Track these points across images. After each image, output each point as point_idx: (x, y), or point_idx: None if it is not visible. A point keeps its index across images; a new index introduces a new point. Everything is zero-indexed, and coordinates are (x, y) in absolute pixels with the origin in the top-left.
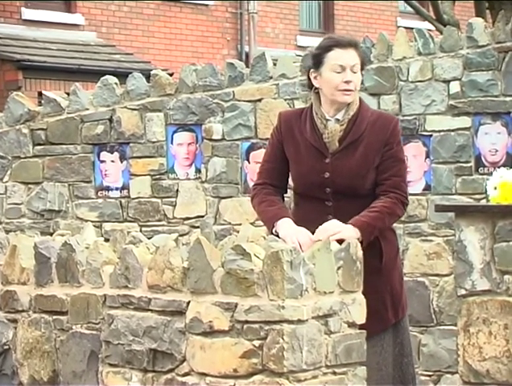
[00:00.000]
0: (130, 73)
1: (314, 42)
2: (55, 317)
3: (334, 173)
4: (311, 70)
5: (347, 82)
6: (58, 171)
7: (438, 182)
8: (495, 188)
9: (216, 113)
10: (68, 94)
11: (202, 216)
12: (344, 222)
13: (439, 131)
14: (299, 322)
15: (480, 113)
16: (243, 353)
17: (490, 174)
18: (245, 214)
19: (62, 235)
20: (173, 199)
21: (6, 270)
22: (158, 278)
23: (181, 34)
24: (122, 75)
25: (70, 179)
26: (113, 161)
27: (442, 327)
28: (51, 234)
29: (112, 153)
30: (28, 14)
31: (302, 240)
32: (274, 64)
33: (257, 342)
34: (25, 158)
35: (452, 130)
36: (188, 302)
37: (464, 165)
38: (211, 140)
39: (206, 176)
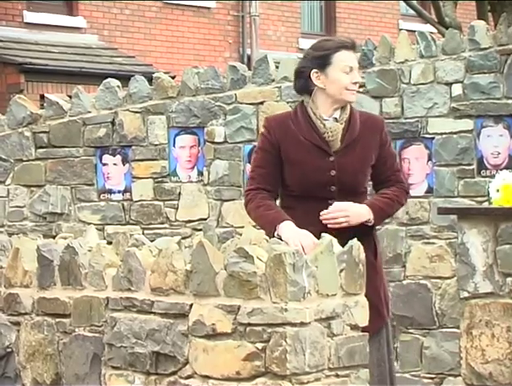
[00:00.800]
0: (132, 76)
1: None
2: (57, 320)
3: (340, 171)
4: (314, 70)
5: (355, 83)
6: (60, 174)
7: (440, 185)
8: (497, 190)
9: (218, 116)
10: (70, 97)
11: (204, 219)
12: None
13: (442, 134)
14: (302, 324)
15: (482, 116)
16: (246, 356)
17: (492, 176)
18: (247, 217)
19: (64, 238)
20: (175, 202)
21: (8, 273)
22: (161, 281)
23: (183, 36)
24: (124, 78)
25: (72, 182)
26: (115, 164)
27: (444, 330)
28: (54, 237)
29: (114, 156)
30: (30, 17)
31: (305, 242)
32: (277, 67)
33: (260, 345)
34: (27, 160)
35: (455, 133)
36: (191, 305)
37: (467, 167)
38: (213, 143)
39: (208, 179)
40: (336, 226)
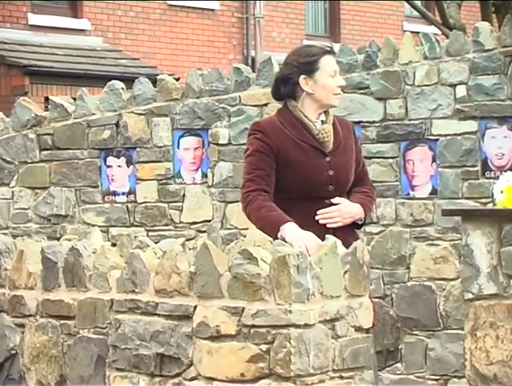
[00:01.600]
0: (137, 78)
1: None
2: (62, 321)
3: (336, 170)
4: (302, 76)
5: (340, 86)
6: (65, 176)
7: (444, 187)
8: (501, 192)
9: (222, 118)
10: (74, 99)
11: (209, 221)
12: None
13: (446, 135)
14: (306, 326)
15: (486, 117)
16: (250, 357)
17: (497, 178)
18: None
19: (69, 239)
20: (180, 204)
21: (13, 275)
22: (165, 283)
23: (187, 39)
24: (129, 80)
25: (77, 184)
26: (119, 166)
27: (449, 331)
28: (58, 239)
29: (118, 158)
30: (35, 19)
31: (309, 244)
32: None
33: (264, 347)
34: (32, 163)
35: (459, 134)
36: (195, 307)
37: (471, 169)
38: (217, 144)
39: (212, 181)
40: (334, 225)
